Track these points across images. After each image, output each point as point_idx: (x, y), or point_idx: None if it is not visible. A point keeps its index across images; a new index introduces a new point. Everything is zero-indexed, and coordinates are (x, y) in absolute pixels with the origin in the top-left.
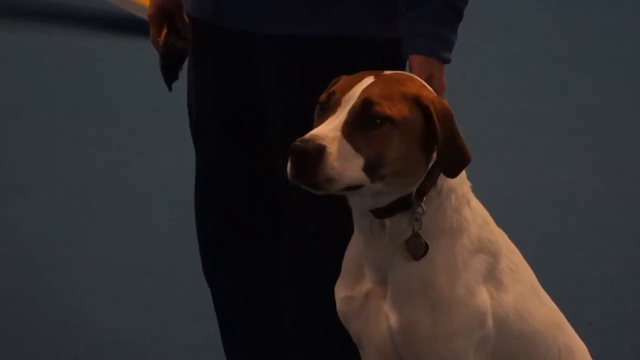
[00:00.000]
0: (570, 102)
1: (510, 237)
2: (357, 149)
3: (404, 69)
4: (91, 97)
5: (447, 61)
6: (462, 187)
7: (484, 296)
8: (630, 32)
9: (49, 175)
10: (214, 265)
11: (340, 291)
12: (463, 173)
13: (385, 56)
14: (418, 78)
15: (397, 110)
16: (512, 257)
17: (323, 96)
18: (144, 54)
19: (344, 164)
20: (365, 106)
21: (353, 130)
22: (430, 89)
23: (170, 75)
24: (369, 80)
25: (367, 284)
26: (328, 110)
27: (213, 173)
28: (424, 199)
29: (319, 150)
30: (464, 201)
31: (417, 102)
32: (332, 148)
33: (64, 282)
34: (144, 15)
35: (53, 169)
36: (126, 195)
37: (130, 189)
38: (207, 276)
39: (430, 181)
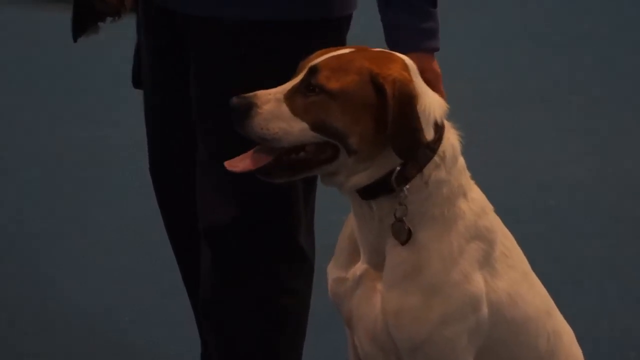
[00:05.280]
0: (550, 81)
1: None
2: (295, 113)
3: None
4: (67, 70)
5: (435, 50)
6: (460, 178)
7: (479, 282)
8: (607, 9)
9: (25, 151)
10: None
11: (333, 272)
12: (462, 164)
13: (318, 37)
14: (404, 59)
15: (338, 82)
16: (506, 242)
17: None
18: (120, 27)
19: (280, 124)
20: (309, 73)
21: (295, 95)
22: (412, 72)
23: (77, 27)
24: (341, 51)
25: (361, 266)
26: (294, 75)
27: (149, 125)
28: (409, 185)
29: (247, 108)
30: (460, 193)
31: (373, 79)
32: (264, 108)
33: (40, 257)
34: None
35: (29, 144)
36: (103, 170)
37: (107, 163)
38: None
39: (414, 166)
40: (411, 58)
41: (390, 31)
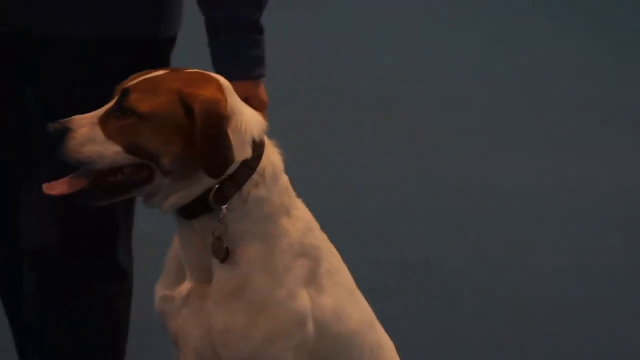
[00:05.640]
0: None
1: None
2: (109, 136)
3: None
4: None
5: (260, 77)
6: (282, 198)
7: (304, 299)
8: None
9: None
10: None
11: (160, 290)
12: (285, 183)
13: (154, 57)
14: (219, 79)
15: (148, 104)
16: (332, 260)
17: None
18: None
19: (95, 148)
20: (121, 96)
21: (109, 118)
22: (228, 92)
23: None
24: (155, 73)
25: (188, 284)
26: (112, 98)
27: None
28: (228, 204)
29: (63, 133)
30: (282, 211)
31: (182, 99)
32: (79, 133)
33: None
34: None
35: None
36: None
37: None
38: None
39: (232, 185)
40: (237, 86)
41: (217, 60)
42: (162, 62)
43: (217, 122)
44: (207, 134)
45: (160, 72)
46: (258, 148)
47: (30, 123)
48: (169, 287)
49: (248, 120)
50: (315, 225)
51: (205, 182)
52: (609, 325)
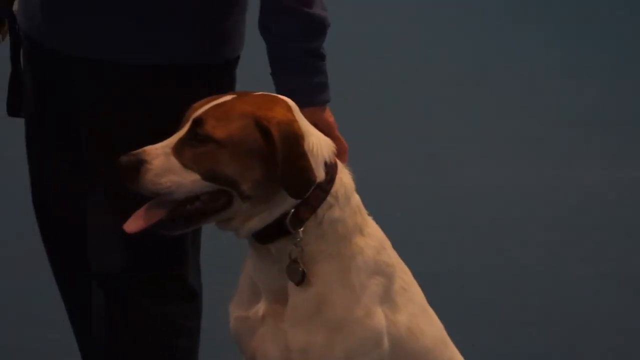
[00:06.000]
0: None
1: None
2: (185, 165)
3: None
4: None
5: (325, 102)
6: (355, 217)
7: (380, 317)
8: None
9: None
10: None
11: (234, 310)
12: (357, 202)
13: (222, 78)
14: (287, 100)
15: (224, 130)
16: (404, 277)
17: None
18: None
19: (173, 178)
20: (194, 125)
21: (183, 147)
22: (296, 113)
23: None
24: (223, 98)
25: (263, 305)
26: (179, 127)
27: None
28: (303, 227)
29: (137, 165)
30: (356, 230)
31: (257, 123)
32: (154, 164)
33: None
34: None
35: None
36: None
37: None
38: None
39: (307, 208)
40: (304, 112)
41: (281, 89)
42: (229, 82)
43: (295, 142)
44: (287, 156)
45: (228, 97)
46: (330, 170)
47: (85, 148)
48: (243, 307)
49: (318, 142)
50: (387, 243)
51: (282, 205)
52: (620, 327)
